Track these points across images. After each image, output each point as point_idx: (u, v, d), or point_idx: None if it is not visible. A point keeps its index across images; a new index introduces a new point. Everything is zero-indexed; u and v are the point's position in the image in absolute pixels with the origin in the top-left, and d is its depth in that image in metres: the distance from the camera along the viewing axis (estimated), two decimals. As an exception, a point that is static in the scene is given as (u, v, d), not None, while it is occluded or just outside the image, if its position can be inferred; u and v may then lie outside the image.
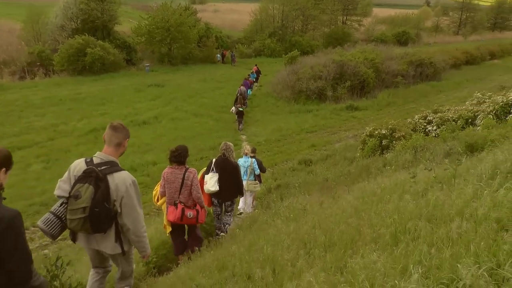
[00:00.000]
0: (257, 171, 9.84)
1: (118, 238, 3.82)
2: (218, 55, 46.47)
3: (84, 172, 3.63)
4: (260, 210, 8.00)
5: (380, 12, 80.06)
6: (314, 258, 3.29)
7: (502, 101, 10.40)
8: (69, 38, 36.75)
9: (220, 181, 6.99)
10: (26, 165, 16.22)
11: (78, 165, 3.78)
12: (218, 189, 6.92)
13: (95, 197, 3.51)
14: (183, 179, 5.73)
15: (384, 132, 12.62)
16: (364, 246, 3.11)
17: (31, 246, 10.50)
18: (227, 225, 7.36)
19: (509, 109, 10.06)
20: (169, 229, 6.00)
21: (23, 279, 2.87)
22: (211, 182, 6.96)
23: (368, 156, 12.24)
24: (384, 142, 12.44)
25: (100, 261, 4.12)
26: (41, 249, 9.99)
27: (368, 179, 7.70)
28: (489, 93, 12.85)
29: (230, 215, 7.52)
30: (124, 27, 45.21)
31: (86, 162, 3.75)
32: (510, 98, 10.31)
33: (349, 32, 62.55)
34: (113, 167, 3.73)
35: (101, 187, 3.56)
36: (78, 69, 34.51)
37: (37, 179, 14.88)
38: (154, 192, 6.44)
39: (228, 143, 7.46)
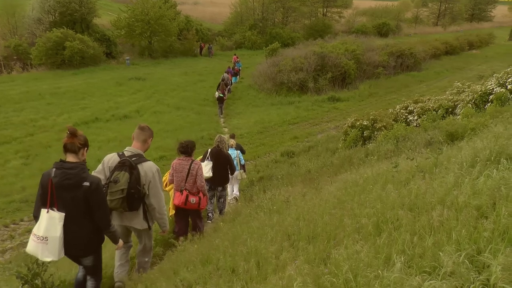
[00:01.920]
0: (243, 161, 10.52)
1: (145, 216, 4.81)
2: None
3: (120, 162, 4.53)
4: (243, 202, 8.01)
5: (360, 4, 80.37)
6: (297, 250, 3.29)
7: (481, 91, 10.54)
8: (47, 31, 36.09)
9: (214, 168, 7.96)
10: (5, 161, 15.93)
11: (112, 158, 4.65)
12: (212, 175, 7.84)
13: (130, 181, 4.44)
14: (189, 169, 6.47)
15: (365, 123, 12.71)
16: (347, 237, 3.12)
17: (12, 244, 10.39)
18: (223, 210, 8.47)
19: (488, 98, 10.20)
20: (172, 211, 6.74)
21: (105, 225, 4.04)
22: (206, 169, 7.78)
23: (350, 147, 12.31)
24: (366, 132, 12.53)
25: (124, 237, 4.94)
26: (22, 246, 9.85)
27: (350, 170, 7.74)
28: (468, 83, 13.02)
29: (223, 201, 8.59)
30: (104, 20, 44.57)
31: (119, 155, 4.63)
32: (488, 87, 10.44)
33: (330, 24, 62.65)
34: (141, 158, 4.66)
35: (134, 173, 4.49)
36: (57, 63, 33.94)
37: (16, 176, 14.63)
38: (164, 179, 6.98)
39: (222, 135, 8.51)
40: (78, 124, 20.41)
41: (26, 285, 3.95)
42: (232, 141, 10.54)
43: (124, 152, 4.68)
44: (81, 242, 3.96)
